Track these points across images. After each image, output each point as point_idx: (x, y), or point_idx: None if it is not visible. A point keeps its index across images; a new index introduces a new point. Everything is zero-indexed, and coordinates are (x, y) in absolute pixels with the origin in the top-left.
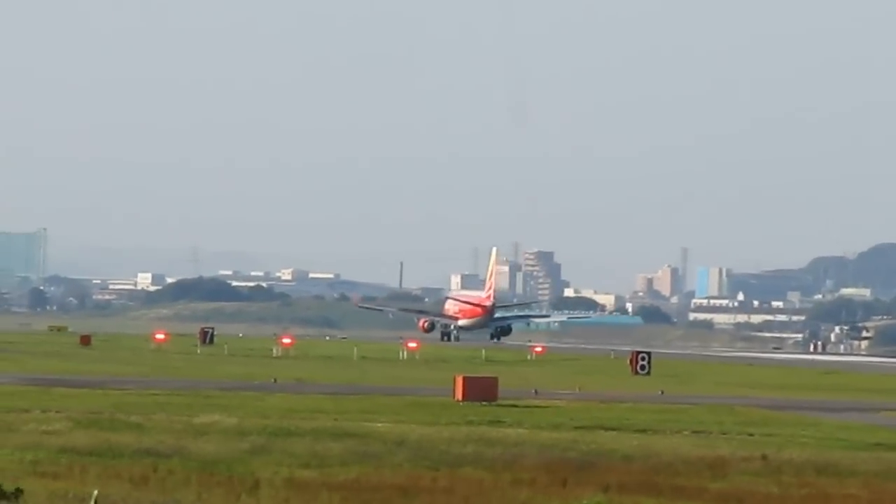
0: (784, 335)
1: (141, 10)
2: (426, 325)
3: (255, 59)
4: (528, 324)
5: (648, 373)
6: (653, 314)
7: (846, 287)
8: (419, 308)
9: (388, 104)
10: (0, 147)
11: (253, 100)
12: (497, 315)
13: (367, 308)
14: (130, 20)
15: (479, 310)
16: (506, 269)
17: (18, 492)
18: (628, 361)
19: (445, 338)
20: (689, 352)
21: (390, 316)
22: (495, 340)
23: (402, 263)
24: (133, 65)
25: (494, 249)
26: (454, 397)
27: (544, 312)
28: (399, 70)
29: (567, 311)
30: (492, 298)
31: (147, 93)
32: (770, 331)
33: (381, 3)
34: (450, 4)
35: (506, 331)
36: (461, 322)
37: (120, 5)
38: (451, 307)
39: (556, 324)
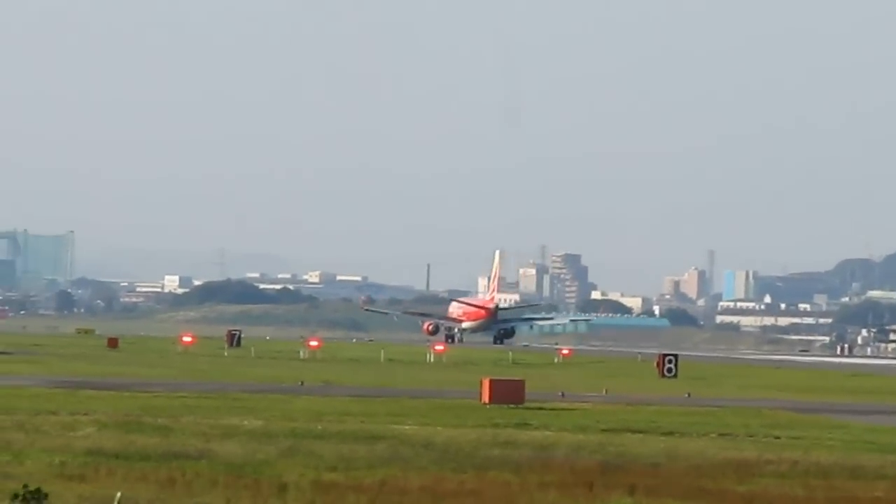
0: (811, 338)
1: (165, 28)
2: (430, 327)
3: (274, 70)
4: (531, 326)
5: (675, 375)
6: (680, 317)
7: (873, 289)
8: (423, 311)
9: (413, 109)
10: (29, 153)
11: (277, 107)
12: (500, 318)
13: (372, 311)
14: (156, 39)
15: (482, 312)
16: (533, 271)
17: (42, 494)
18: (655, 364)
19: (449, 340)
20: (715, 354)
21: (395, 319)
22: (499, 343)
23: (428, 266)
24: (157, 81)
25: (497, 253)
26: (481, 400)
27: (546, 315)
28: (421, 74)
29: (572, 314)
30: (494, 301)
31: (172, 104)
32: (797, 333)
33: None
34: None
35: (509, 333)
36: (465, 325)
37: (137, 18)
38: (455, 310)
39: (584, 326)
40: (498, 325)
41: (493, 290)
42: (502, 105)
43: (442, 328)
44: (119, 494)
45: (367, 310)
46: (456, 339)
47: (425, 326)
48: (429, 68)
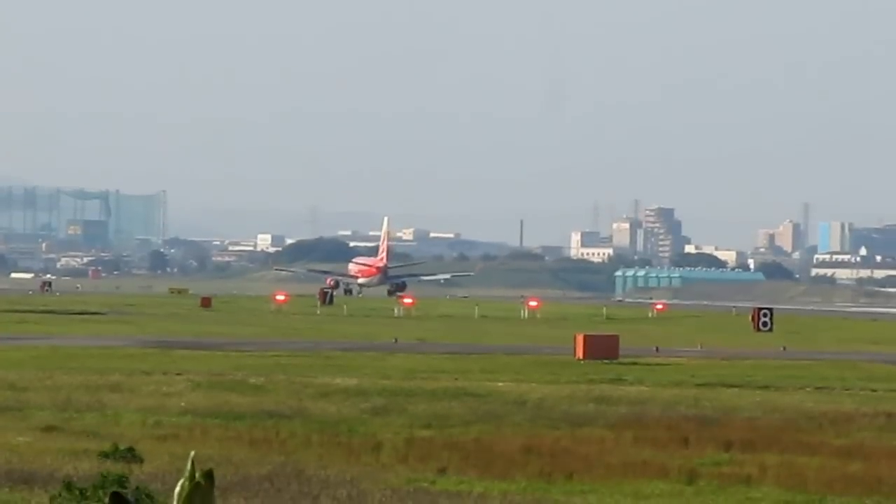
0: None
1: None
2: (332, 283)
3: (359, 35)
4: (419, 280)
5: (770, 329)
6: (775, 270)
7: None
8: (325, 269)
9: (512, 64)
10: (122, 112)
11: (363, 84)
12: (391, 274)
13: (280, 270)
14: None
15: (373, 270)
16: (626, 225)
17: (134, 452)
18: (750, 318)
19: (347, 293)
20: (811, 308)
21: (301, 276)
22: (391, 296)
23: (522, 222)
24: (250, 24)
25: (386, 219)
26: (575, 356)
27: (431, 271)
28: (516, 32)
29: (451, 272)
30: (384, 260)
31: (260, 51)
32: (893, 286)
33: None
34: None
35: (401, 287)
36: (360, 280)
37: None
38: (353, 268)
39: (678, 280)
40: (389, 279)
41: (383, 251)
42: (606, 69)
43: (342, 284)
44: (193, 454)
45: (276, 269)
46: (354, 293)
47: (328, 282)
48: (537, 31)
